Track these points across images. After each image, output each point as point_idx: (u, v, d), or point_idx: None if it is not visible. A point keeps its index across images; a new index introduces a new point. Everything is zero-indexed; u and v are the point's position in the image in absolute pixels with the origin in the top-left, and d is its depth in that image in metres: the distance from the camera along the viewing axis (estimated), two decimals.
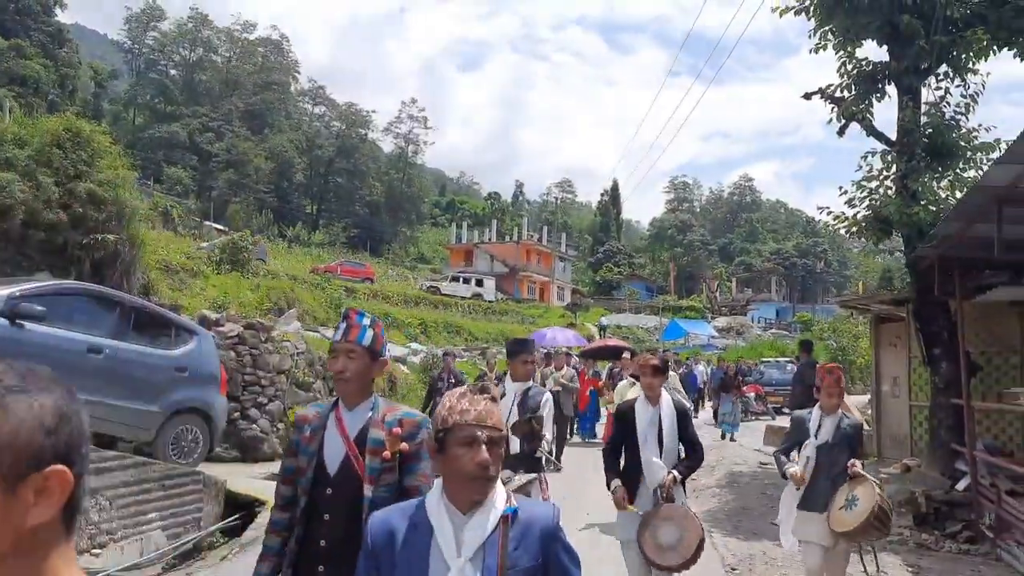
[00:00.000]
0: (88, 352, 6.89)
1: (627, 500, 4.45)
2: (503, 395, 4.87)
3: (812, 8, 11.11)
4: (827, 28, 11.22)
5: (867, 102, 11.14)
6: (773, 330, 52.92)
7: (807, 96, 11.90)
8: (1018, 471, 7.98)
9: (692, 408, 17.40)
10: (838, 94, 11.39)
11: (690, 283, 79.82)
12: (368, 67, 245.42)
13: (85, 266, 9.29)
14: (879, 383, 12.92)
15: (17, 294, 6.47)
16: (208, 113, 70.41)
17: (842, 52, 11.29)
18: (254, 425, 10.46)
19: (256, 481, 8.48)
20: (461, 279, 47.03)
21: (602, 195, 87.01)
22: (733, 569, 6.77)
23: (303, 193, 77.89)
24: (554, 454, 10.86)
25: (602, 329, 41.38)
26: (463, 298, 42.16)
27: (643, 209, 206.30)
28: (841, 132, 11.60)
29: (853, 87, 11.17)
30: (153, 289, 10.77)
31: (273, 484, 8.53)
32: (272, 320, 13.44)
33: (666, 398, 4.72)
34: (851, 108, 11.06)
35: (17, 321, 6.34)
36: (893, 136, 10.89)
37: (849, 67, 11.21)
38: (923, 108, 10.75)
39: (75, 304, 7.19)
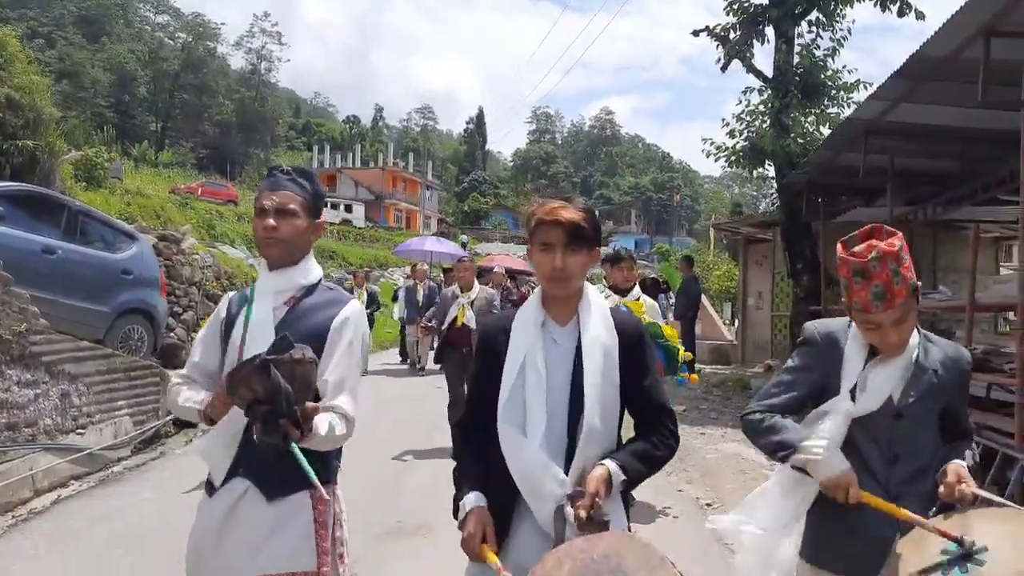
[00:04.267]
0: (43, 252, 6.94)
1: (490, 545, 1.87)
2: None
3: None
4: None
5: (749, 43, 12.35)
6: None
7: (695, 33, 13.05)
8: None
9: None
10: (723, 34, 12.57)
11: None
12: None
13: (5, 172, 8.98)
14: (745, 298, 14.61)
15: None
16: (37, 17, 64.04)
17: None
18: (172, 334, 10.58)
19: None
20: (329, 204, 46.25)
21: (467, 123, 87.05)
22: (708, 504, 6.28)
23: (147, 109, 72.83)
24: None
25: (464, 246, 42.13)
26: (331, 224, 41.64)
27: (505, 140, 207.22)
28: (724, 68, 12.81)
29: (738, 28, 12.33)
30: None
31: None
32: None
33: (597, 306, 2.05)
34: (735, 47, 12.26)
35: None
36: (770, 74, 12.20)
37: (735, 6, 12.31)
38: (796, 50, 12.09)
39: (26, 206, 7.15)
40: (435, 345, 8.15)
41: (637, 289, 5.91)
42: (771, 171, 12.68)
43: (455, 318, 7.16)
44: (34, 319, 5.62)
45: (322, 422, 1.94)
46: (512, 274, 16.15)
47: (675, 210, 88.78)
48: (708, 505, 5.94)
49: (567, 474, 1.88)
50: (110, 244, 7.92)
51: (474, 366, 2.15)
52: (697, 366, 13.19)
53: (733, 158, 12.46)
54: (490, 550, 1.85)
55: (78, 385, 6.03)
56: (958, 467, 2.02)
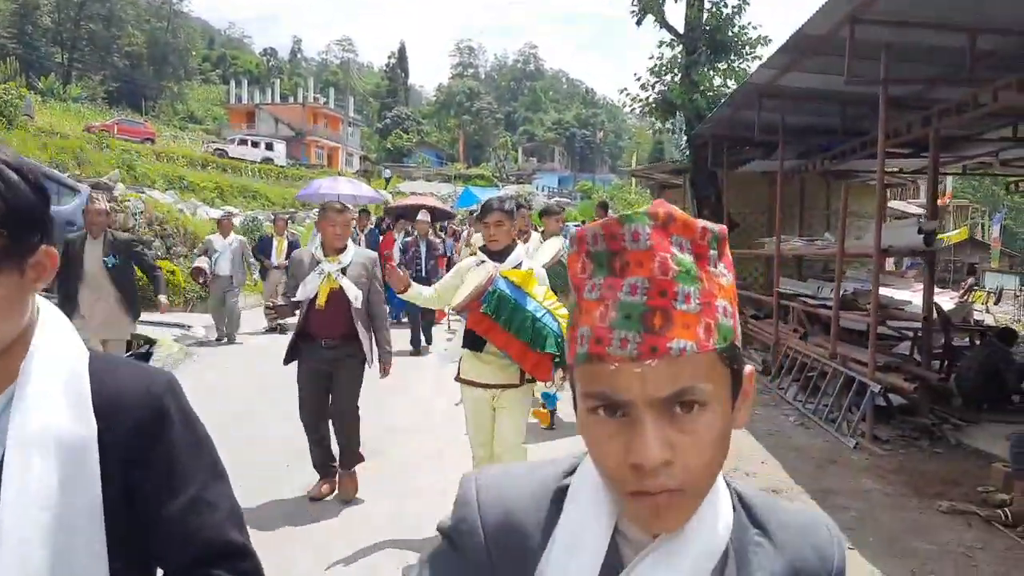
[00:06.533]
0: None
1: None
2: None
3: None
4: None
5: None
6: (557, 198, 56.76)
7: None
8: (761, 299, 10.81)
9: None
10: None
11: (477, 151, 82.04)
12: None
13: None
14: None
15: None
16: None
17: None
18: None
19: None
20: (250, 142, 45.29)
21: (389, 57, 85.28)
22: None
23: (51, 40, 68.95)
24: None
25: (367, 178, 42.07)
26: (252, 162, 40.96)
27: (427, 74, 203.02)
28: (639, 22, 13.50)
29: None
30: None
31: (146, 329, 9.15)
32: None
33: (57, 363, 0.95)
34: (649, 2, 12.95)
35: None
36: (682, 29, 12.96)
37: None
38: (707, 7, 12.85)
39: None
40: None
41: (519, 250, 4.10)
42: (679, 120, 13.56)
43: (315, 296, 4.69)
44: None
45: None
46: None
47: (598, 147, 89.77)
48: None
49: None
50: (54, 196, 8.22)
51: None
52: None
53: (647, 109, 13.27)
54: None
55: None
56: None
